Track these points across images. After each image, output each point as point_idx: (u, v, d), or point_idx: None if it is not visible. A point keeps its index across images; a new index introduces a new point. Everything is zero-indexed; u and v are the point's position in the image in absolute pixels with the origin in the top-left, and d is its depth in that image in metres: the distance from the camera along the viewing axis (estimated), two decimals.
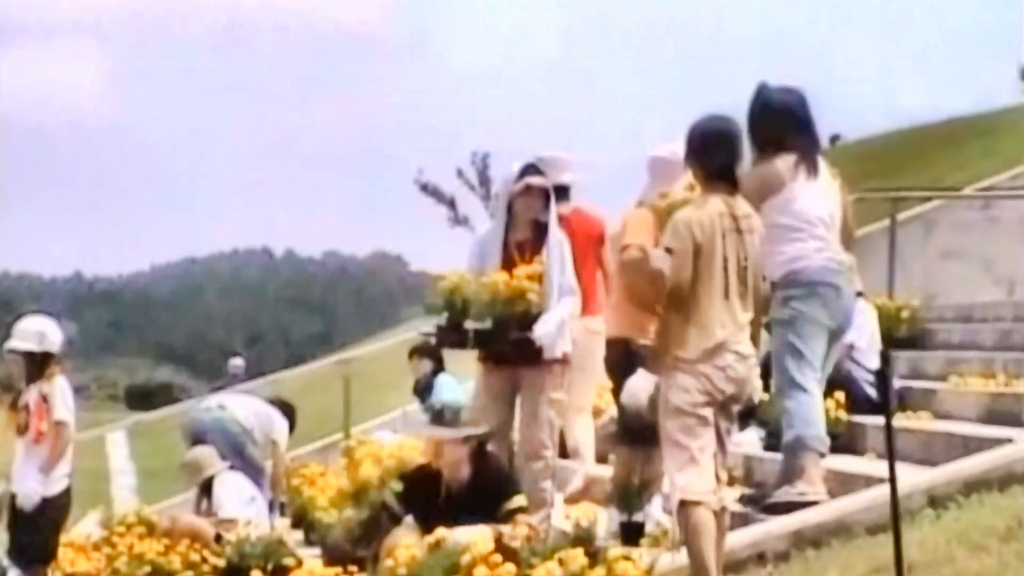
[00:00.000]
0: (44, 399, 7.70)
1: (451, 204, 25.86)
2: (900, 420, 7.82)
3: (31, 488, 7.61)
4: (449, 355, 10.88)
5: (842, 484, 6.48)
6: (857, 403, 7.95)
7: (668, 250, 5.24)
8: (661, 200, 6.35)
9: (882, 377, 6.12)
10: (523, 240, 6.81)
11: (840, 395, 7.65)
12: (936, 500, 5.74)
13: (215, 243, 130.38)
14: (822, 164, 6.60)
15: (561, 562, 5.27)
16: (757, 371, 5.39)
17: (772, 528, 5.81)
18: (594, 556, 5.48)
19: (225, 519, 8.39)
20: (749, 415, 7.17)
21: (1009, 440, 6.46)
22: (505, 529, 5.95)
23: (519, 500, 6.24)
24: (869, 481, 6.39)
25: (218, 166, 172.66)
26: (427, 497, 6.29)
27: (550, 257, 6.74)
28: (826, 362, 6.59)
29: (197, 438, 9.08)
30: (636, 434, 6.53)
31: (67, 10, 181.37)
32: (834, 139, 24.58)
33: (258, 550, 7.58)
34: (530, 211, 6.78)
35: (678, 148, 5.72)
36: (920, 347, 10.33)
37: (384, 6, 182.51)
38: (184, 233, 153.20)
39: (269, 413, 9.57)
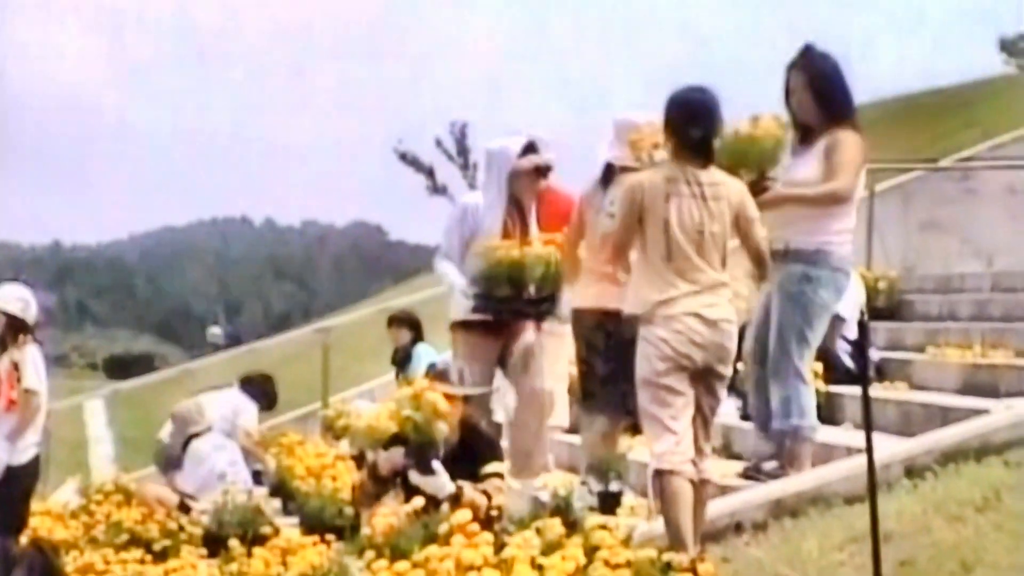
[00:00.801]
0: (15, 367, 7.67)
1: (430, 173, 25.75)
2: (878, 391, 7.86)
3: None
4: (428, 324, 10.88)
5: (820, 454, 6.50)
6: (836, 373, 7.98)
7: (610, 215, 5.27)
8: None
9: (859, 347, 6.12)
10: (512, 214, 7.09)
11: (818, 366, 7.65)
12: (913, 470, 5.74)
13: (194, 212, 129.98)
14: None
15: (539, 531, 5.27)
16: (734, 339, 5.32)
17: (750, 497, 5.81)
18: (572, 526, 5.48)
19: (187, 493, 8.46)
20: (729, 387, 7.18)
21: (986, 411, 6.48)
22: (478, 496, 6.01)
23: (498, 466, 6.30)
24: (847, 451, 6.42)
25: (196, 136, 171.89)
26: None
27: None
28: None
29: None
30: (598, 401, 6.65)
31: None
32: None
33: (236, 519, 7.60)
34: (533, 188, 7.10)
35: (646, 115, 5.74)
36: (898, 318, 10.36)
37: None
38: (162, 202, 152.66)
39: (236, 405, 10.12)
